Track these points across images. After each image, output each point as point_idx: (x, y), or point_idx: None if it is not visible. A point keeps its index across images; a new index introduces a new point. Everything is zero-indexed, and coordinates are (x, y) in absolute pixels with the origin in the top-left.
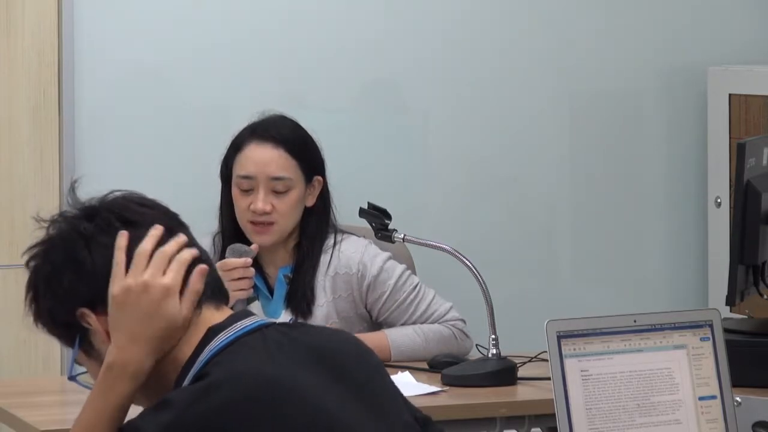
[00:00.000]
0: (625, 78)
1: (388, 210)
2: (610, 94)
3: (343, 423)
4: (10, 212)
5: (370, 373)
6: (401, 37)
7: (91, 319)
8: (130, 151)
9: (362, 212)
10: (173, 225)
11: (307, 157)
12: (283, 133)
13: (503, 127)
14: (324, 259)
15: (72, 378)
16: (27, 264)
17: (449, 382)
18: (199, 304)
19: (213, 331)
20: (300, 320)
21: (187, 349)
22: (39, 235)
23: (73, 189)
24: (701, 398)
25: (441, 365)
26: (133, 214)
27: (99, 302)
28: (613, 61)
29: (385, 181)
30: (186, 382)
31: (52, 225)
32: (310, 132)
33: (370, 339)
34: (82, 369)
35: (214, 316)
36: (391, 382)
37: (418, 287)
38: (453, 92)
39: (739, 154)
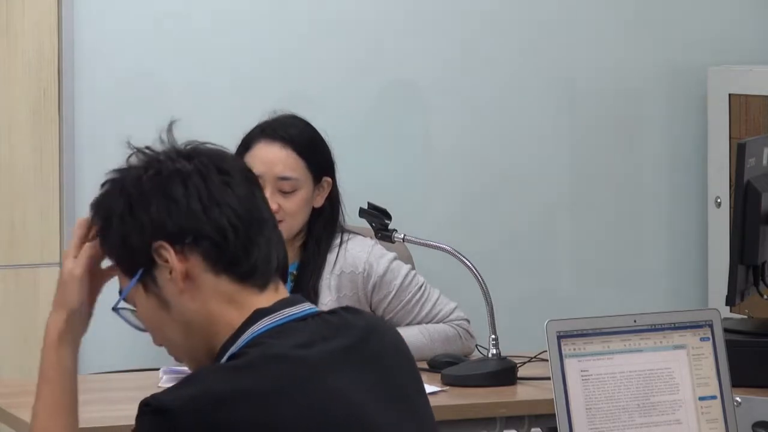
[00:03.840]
0: (625, 78)
1: (388, 210)
2: (610, 94)
3: (372, 420)
4: (10, 212)
5: (408, 373)
6: (403, 39)
7: (170, 254)
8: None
9: (362, 212)
10: (252, 182)
11: (315, 158)
12: (292, 132)
13: (503, 126)
14: (330, 258)
15: (115, 309)
16: (107, 183)
17: (449, 382)
18: (249, 282)
19: (259, 314)
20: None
21: (236, 321)
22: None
23: (170, 128)
24: (701, 398)
25: (441, 365)
26: (228, 165)
27: (179, 240)
28: (613, 61)
29: (386, 181)
30: (222, 361)
31: (142, 155)
32: (321, 133)
33: None
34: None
35: (271, 296)
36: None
37: (423, 287)
38: (453, 92)
39: (739, 154)
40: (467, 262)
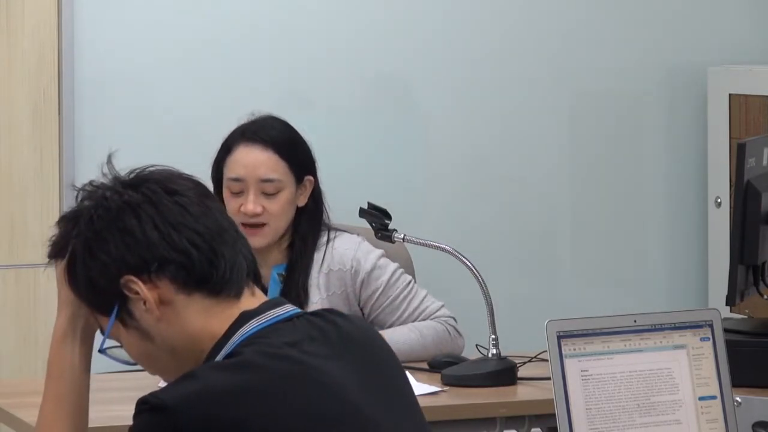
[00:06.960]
0: (625, 78)
1: (388, 210)
2: (610, 94)
3: (365, 415)
4: (10, 212)
5: (394, 369)
6: (402, 36)
7: (139, 286)
8: (130, 151)
9: (362, 212)
10: (205, 195)
11: (296, 158)
12: (272, 134)
13: (503, 126)
14: (317, 256)
15: (102, 351)
16: (60, 227)
17: (449, 382)
18: (222, 294)
19: (246, 316)
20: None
21: (218, 330)
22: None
23: (110, 159)
24: (701, 398)
25: (441, 365)
26: (176, 184)
27: (144, 270)
28: (613, 61)
29: (386, 181)
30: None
31: (88, 194)
32: (302, 132)
33: None
34: (112, 342)
35: (249, 300)
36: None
37: (410, 284)
38: (453, 92)
39: (739, 154)
40: (467, 262)
